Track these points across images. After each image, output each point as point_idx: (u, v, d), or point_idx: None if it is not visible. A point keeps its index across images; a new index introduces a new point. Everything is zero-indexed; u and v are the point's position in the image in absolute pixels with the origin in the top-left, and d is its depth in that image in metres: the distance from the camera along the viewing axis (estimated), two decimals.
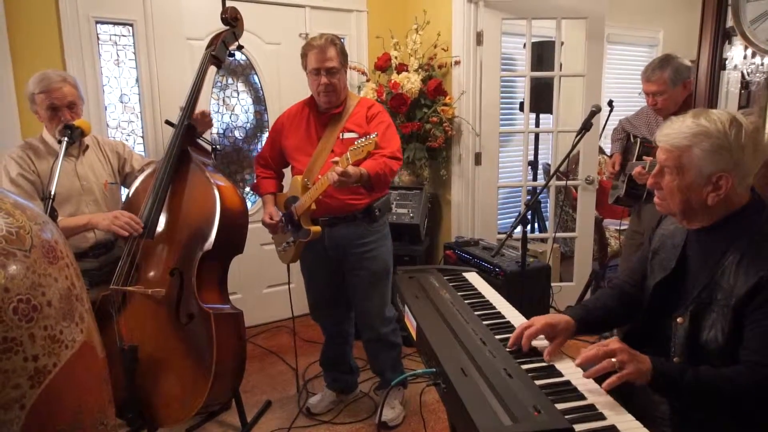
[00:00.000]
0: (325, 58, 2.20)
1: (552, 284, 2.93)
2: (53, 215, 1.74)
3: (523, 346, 1.34)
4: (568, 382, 1.19)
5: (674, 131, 1.29)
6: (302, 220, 2.25)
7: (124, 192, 2.35)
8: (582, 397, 1.13)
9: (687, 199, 1.30)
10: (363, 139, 1.96)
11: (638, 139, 2.81)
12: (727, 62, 2.24)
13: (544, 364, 1.28)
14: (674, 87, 2.54)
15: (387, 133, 2.26)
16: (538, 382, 1.17)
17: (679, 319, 1.33)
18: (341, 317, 2.56)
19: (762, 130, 1.32)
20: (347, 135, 2.25)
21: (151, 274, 2.07)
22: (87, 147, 2.22)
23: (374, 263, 2.33)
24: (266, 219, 2.35)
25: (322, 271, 2.44)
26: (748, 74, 2.27)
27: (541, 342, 1.37)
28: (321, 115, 2.32)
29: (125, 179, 2.36)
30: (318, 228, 2.25)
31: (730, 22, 2.10)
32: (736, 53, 2.25)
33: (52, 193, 1.75)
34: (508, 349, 1.33)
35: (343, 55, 2.26)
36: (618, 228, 4.07)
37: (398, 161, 2.25)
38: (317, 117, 2.32)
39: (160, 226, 2.10)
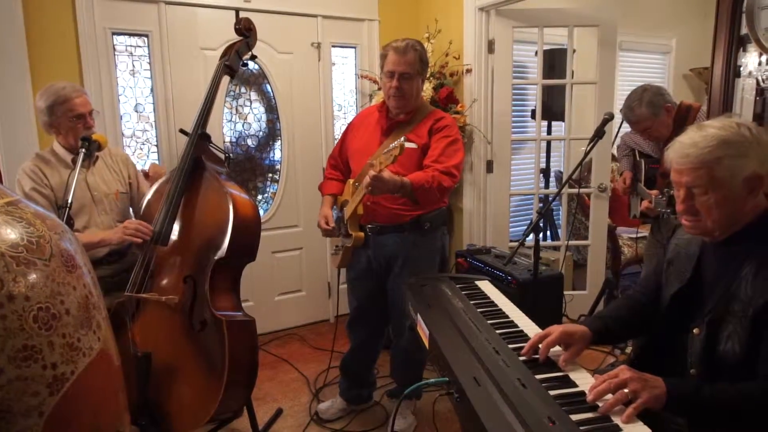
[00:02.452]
0: (401, 62, 2.17)
1: (565, 293, 2.91)
2: (69, 224, 1.77)
3: (541, 355, 1.32)
4: (582, 393, 1.18)
5: (693, 150, 1.25)
6: (349, 225, 2.26)
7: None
8: (596, 408, 1.12)
9: (730, 211, 1.25)
10: (394, 143, 1.92)
11: (643, 159, 2.80)
12: (741, 69, 2.23)
13: (558, 374, 1.27)
14: (657, 117, 2.55)
15: (448, 149, 2.20)
16: (552, 393, 1.16)
17: (695, 331, 1.31)
18: (373, 333, 2.53)
19: (759, 126, 1.30)
20: (407, 145, 2.17)
21: (165, 281, 2.09)
22: (97, 158, 2.26)
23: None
24: (321, 223, 2.34)
25: (364, 283, 2.42)
26: (763, 81, 2.25)
27: (556, 350, 1.35)
28: (389, 121, 2.30)
29: (133, 201, 2.39)
30: (361, 234, 2.25)
31: (744, 30, 2.08)
32: (750, 60, 2.23)
33: (69, 202, 1.78)
34: (521, 358, 1.32)
35: (421, 62, 2.22)
36: (632, 236, 4.03)
37: (451, 177, 2.17)
38: (385, 122, 2.31)
39: (174, 233, 2.12)
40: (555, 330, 1.36)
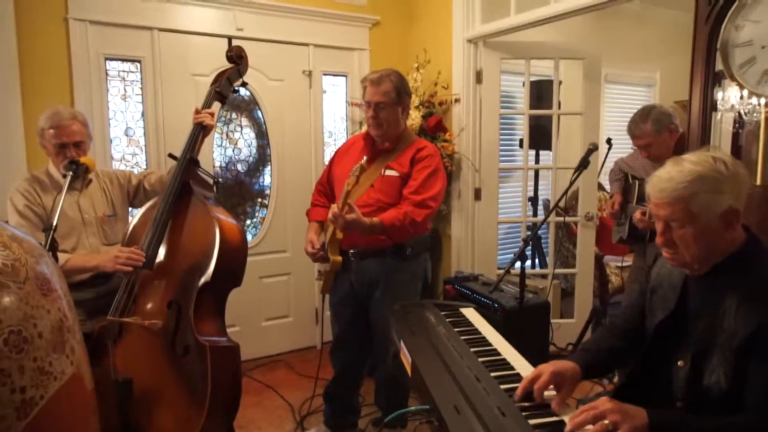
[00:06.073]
0: (376, 92, 2.23)
1: (552, 321, 2.91)
2: (53, 246, 1.76)
3: (537, 399, 1.27)
4: (561, 422, 1.17)
5: (670, 185, 1.25)
6: (329, 249, 2.27)
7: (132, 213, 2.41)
8: None
9: (707, 244, 1.26)
10: (356, 166, 1.99)
11: (636, 181, 2.84)
12: (722, 103, 2.28)
13: (537, 403, 1.27)
14: (660, 135, 2.61)
15: (428, 180, 2.23)
16: (531, 422, 1.15)
17: (679, 362, 1.31)
18: (356, 359, 2.51)
19: (736, 159, 1.32)
20: (388, 172, 2.26)
21: (149, 305, 2.07)
22: (90, 181, 2.27)
23: (397, 302, 2.23)
24: (307, 248, 2.36)
25: (347, 309, 2.42)
26: (745, 114, 2.30)
27: (547, 392, 1.31)
28: (374, 150, 2.34)
29: (133, 199, 2.41)
30: (338, 258, 2.26)
31: (719, 66, 2.15)
32: (732, 94, 2.29)
33: (54, 224, 1.78)
34: (506, 388, 1.32)
35: (397, 92, 2.25)
36: (619, 265, 4.06)
37: (427, 209, 2.21)
38: (370, 150, 2.34)
39: (160, 257, 2.11)
40: (545, 371, 1.31)
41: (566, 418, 1.19)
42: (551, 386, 1.31)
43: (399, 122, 2.33)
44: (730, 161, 1.27)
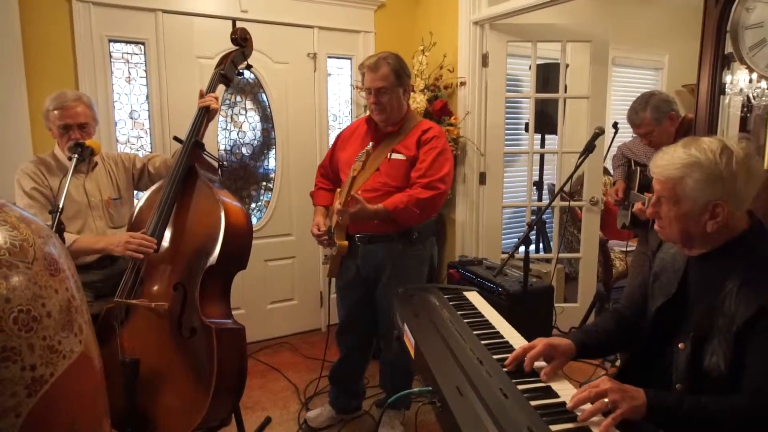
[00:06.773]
0: (374, 78, 2.22)
1: (555, 305, 2.92)
2: (60, 228, 1.78)
3: (526, 367, 1.34)
4: (563, 404, 1.19)
5: (666, 162, 1.30)
6: (335, 233, 2.28)
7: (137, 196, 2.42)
8: (576, 419, 1.13)
9: (686, 227, 1.30)
10: (362, 151, 1.99)
11: (638, 168, 2.83)
12: (731, 86, 2.26)
13: (540, 384, 1.28)
14: (660, 123, 2.59)
15: (436, 162, 2.21)
16: (533, 403, 1.17)
17: (680, 345, 1.33)
18: (362, 342, 2.54)
19: (754, 155, 1.32)
20: (395, 156, 2.25)
21: (155, 287, 2.09)
22: (96, 164, 2.28)
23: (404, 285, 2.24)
24: (313, 230, 2.38)
25: (353, 292, 2.43)
26: (754, 98, 2.28)
27: (539, 364, 1.37)
28: (378, 133, 2.32)
29: (138, 182, 2.42)
30: (344, 243, 2.27)
31: (729, 48, 2.12)
32: (741, 77, 2.27)
33: (60, 207, 1.79)
34: (505, 369, 1.33)
35: (396, 75, 2.23)
36: (624, 250, 4.05)
37: (434, 190, 2.18)
38: (374, 134, 2.33)
39: (165, 240, 2.12)
40: (539, 342, 1.38)
41: (554, 386, 1.23)
42: (542, 359, 1.36)
43: (402, 104, 2.31)
44: (740, 157, 1.25)
